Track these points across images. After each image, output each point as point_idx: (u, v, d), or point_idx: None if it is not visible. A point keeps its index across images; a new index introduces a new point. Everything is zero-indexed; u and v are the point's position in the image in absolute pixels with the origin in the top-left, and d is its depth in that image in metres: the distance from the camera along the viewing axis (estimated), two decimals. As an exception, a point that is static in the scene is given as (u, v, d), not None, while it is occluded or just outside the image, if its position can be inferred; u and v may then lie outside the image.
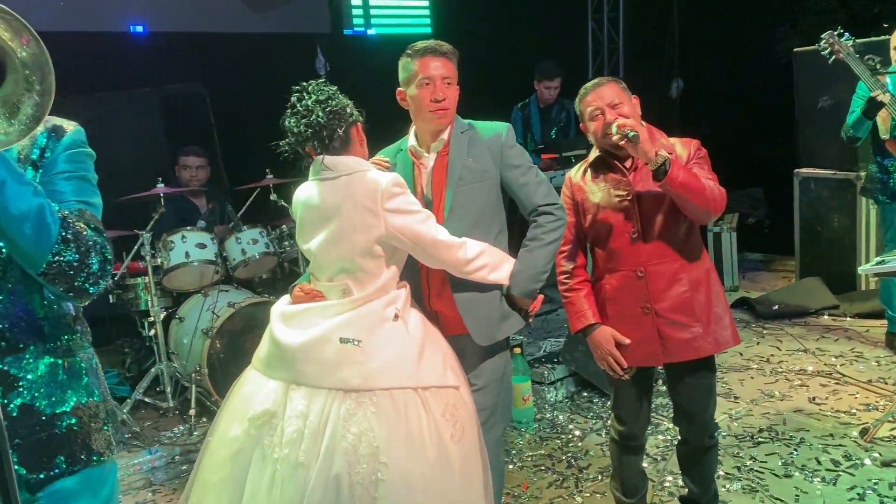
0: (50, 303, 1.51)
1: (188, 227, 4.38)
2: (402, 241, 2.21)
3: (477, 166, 2.40)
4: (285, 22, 6.56)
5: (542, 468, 3.42)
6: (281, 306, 2.27)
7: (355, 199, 2.17)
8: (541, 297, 2.48)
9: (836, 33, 3.65)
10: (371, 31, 6.97)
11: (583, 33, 8.06)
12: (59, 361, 1.53)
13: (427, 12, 7.35)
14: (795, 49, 5.57)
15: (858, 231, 5.24)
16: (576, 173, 2.61)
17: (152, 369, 4.31)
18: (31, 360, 1.49)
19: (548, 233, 2.40)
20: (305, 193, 2.28)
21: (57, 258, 1.38)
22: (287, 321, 2.19)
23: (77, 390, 1.55)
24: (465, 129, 2.46)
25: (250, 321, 4.19)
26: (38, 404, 1.48)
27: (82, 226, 1.44)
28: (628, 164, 2.48)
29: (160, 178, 4.34)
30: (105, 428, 1.59)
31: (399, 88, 2.46)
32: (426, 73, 2.36)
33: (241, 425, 2.14)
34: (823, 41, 3.71)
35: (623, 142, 2.32)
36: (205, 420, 4.14)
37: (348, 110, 2.22)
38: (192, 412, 4.10)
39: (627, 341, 2.47)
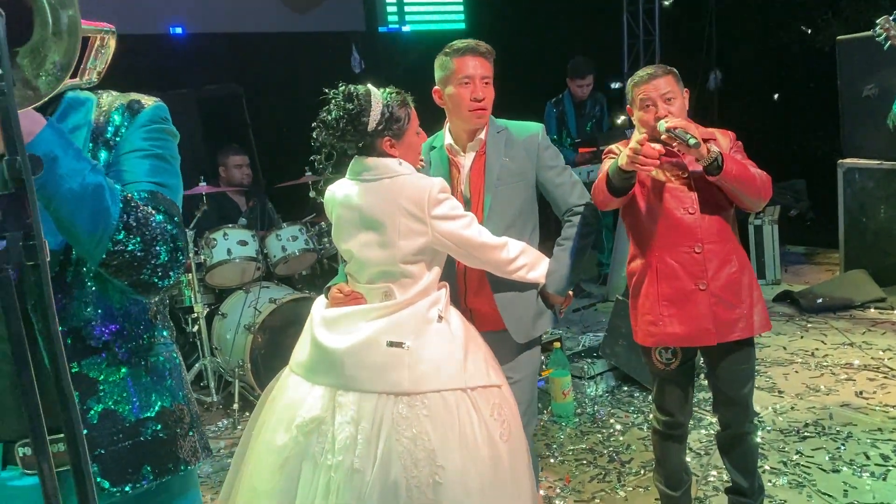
0: (129, 298, 1.36)
1: (230, 225, 4.45)
2: (448, 245, 2.21)
3: (514, 166, 2.44)
4: (320, 21, 6.62)
5: (584, 462, 3.41)
6: (321, 310, 2.25)
7: (400, 204, 2.15)
8: (571, 293, 2.52)
9: (892, 18, 3.55)
10: (406, 28, 7.00)
11: (618, 26, 7.98)
12: (142, 362, 1.38)
13: (461, 8, 7.36)
14: (839, 37, 5.45)
15: (906, 222, 5.12)
16: (616, 147, 2.59)
17: (196, 365, 4.40)
18: (112, 362, 1.34)
19: (581, 232, 2.47)
20: (343, 192, 2.26)
21: (118, 247, 1.19)
22: (329, 326, 2.17)
23: (161, 393, 1.40)
24: (500, 129, 2.49)
25: (291, 317, 4.24)
26: (120, 410, 1.34)
27: (150, 210, 1.25)
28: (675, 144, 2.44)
29: (202, 177, 4.42)
30: (191, 433, 1.45)
31: (436, 87, 2.48)
32: (466, 73, 2.38)
33: (288, 433, 2.11)
34: (879, 26, 3.61)
35: (675, 142, 2.30)
36: (248, 414, 4.19)
37: (370, 126, 2.16)
38: (235, 407, 4.17)
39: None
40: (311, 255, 4.67)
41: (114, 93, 1.38)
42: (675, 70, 2.47)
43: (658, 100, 2.40)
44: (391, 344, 2.08)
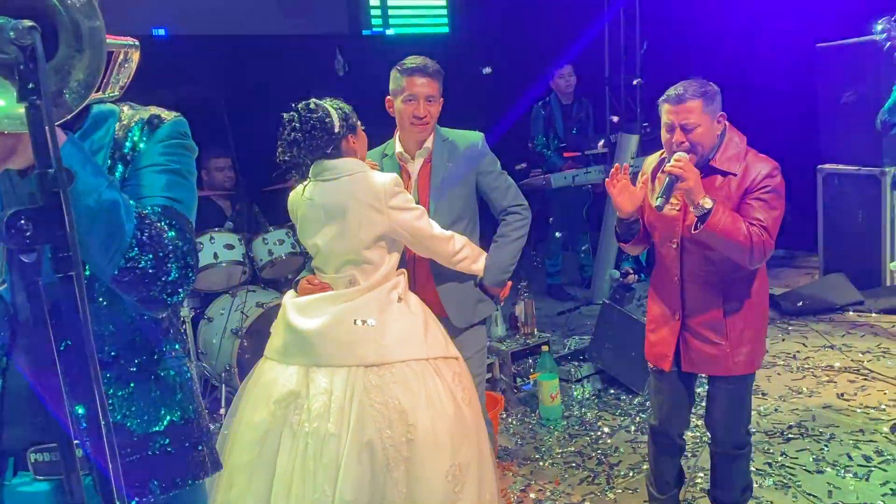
0: (140, 313, 1.35)
1: (216, 229, 4.42)
2: (402, 234, 2.43)
3: (457, 172, 2.73)
4: (304, 24, 6.59)
5: (573, 465, 3.44)
6: (292, 299, 2.44)
7: (359, 197, 2.36)
8: (509, 283, 2.84)
9: (893, 19, 3.56)
10: (389, 32, 7.00)
11: (599, 31, 8.04)
12: (151, 376, 1.37)
13: (445, 12, 7.37)
14: (818, 44, 5.55)
15: (883, 226, 5.21)
16: (650, 163, 2.61)
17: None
18: (119, 376, 1.34)
19: (515, 230, 2.78)
20: (306, 193, 2.45)
21: (130, 264, 1.18)
22: (301, 311, 2.36)
23: (171, 407, 1.39)
24: (445, 139, 2.76)
25: (278, 321, 4.23)
26: (129, 424, 1.33)
27: (163, 227, 1.25)
28: (699, 166, 2.43)
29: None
30: (200, 447, 1.43)
31: (388, 97, 2.74)
32: (411, 91, 2.64)
33: (266, 408, 2.27)
34: (880, 27, 3.62)
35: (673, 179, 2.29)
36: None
37: (335, 130, 2.38)
38: (222, 412, 4.13)
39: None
40: (298, 258, 4.65)
41: (134, 105, 1.39)
42: (708, 91, 2.37)
43: (676, 126, 2.36)
44: (359, 322, 2.30)
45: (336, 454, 2.17)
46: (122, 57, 1.28)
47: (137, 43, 1.23)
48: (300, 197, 2.48)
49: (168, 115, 1.39)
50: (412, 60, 2.67)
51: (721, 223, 2.26)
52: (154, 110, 1.38)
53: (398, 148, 2.77)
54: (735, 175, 2.36)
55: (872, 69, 5.13)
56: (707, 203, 2.26)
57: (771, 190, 2.35)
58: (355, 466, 2.16)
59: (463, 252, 2.61)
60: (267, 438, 2.25)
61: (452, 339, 2.58)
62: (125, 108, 1.38)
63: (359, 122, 2.48)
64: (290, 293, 2.50)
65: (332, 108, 2.41)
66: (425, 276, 2.74)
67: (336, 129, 2.39)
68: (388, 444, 2.20)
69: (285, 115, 2.43)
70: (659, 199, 2.29)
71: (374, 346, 2.28)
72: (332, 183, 2.40)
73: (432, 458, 2.23)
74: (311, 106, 2.40)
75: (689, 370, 2.54)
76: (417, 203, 2.62)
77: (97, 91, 1.21)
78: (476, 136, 2.79)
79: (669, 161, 2.33)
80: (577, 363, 4.29)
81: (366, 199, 2.36)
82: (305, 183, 2.47)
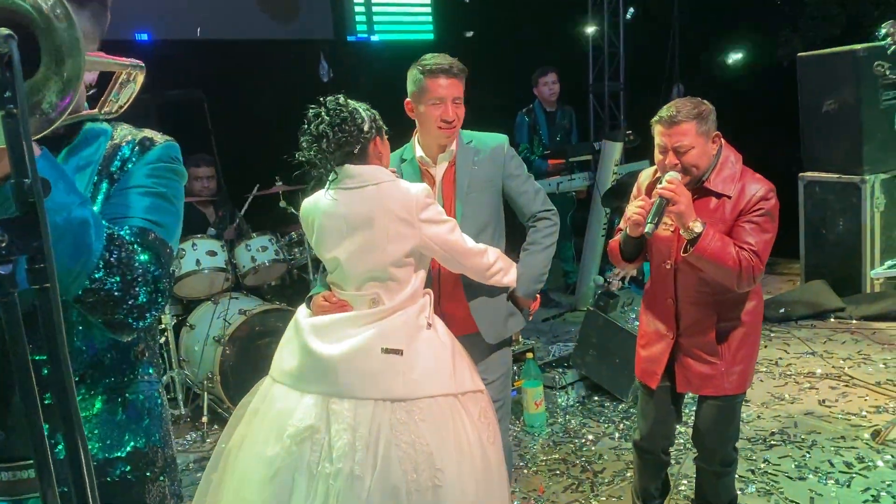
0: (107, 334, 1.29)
1: (198, 235, 4.39)
2: (434, 249, 2.27)
3: (483, 175, 2.55)
4: (288, 29, 6.58)
5: (557, 472, 3.44)
6: (308, 318, 2.24)
7: (388, 208, 2.18)
8: (539, 296, 2.66)
9: None
10: (374, 38, 7.00)
11: (584, 38, 8.09)
12: (118, 398, 1.32)
13: (430, 19, 7.39)
14: (799, 54, 5.60)
15: (864, 234, 5.26)
16: (645, 179, 2.58)
17: (163, 377, 4.32)
18: (86, 396, 1.28)
19: (546, 237, 2.60)
20: (325, 202, 2.26)
21: (95, 285, 1.15)
22: (320, 334, 2.16)
23: (136, 433, 1.34)
24: (469, 141, 2.58)
25: (261, 328, 4.20)
26: (89, 447, 1.25)
27: (135, 249, 1.21)
28: (693, 186, 2.41)
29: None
30: (161, 479, 1.38)
31: (408, 100, 2.54)
32: (437, 94, 2.45)
33: (279, 443, 2.09)
34: (884, 30, 3.60)
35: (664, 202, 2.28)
36: (216, 427, 4.15)
37: (365, 128, 2.22)
38: (204, 419, 4.11)
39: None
40: (281, 265, 4.63)
41: (128, 127, 1.36)
42: (702, 112, 2.31)
43: (669, 149, 2.33)
44: (386, 351, 2.11)
45: (360, 498, 2.00)
46: (124, 76, 1.25)
47: (142, 65, 1.21)
48: (316, 206, 2.28)
49: (160, 138, 1.36)
50: (435, 60, 2.47)
51: (711, 247, 2.24)
52: (147, 133, 1.36)
53: (419, 152, 2.58)
54: (730, 197, 2.33)
55: (853, 79, 5.20)
56: (697, 227, 2.24)
57: (764, 213, 2.31)
58: None
59: (497, 265, 2.43)
60: (279, 476, 2.07)
61: (479, 362, 2.46)
62: (118, 128, 1.35)
63: (384, 128, 2.32)
64: (304, 310, 2.31)
65: (361, 108, 2.25)
66: (453, 289, 2.54)
67: (366, 128, 2.21)
68: (413, 489, 2.02)
69: (310, 111, 2.22)
70: (649, 224, 2.26)
71: (403, 379, 2.10)
72: (357, 192, 2.20)
73: None
74: (341, 101, 2.21)
75: (684, 390, 2.53)
76: (442, 209, 2.49)
77: (95, 108, 1.20)
78: (502, 138, 2.63)
79: (662, 182, 2.30)
80: (561, 370, 4.29)
81: (395, 211, 2.18)
82: (325, 190, 2.27)
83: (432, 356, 2.17)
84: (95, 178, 1.29)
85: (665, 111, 2.33)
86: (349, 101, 2.24)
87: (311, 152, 2.20)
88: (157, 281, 1.23)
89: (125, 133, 1.35)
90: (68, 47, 0.98)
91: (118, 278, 1.17)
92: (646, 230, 2.27)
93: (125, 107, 1.17)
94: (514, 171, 2.61)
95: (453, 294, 2.53)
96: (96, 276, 1.14)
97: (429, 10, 7.37)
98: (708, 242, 2.23)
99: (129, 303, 1.19)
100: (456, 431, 2.11)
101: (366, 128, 2.21)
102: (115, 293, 1.17)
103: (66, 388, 0.77)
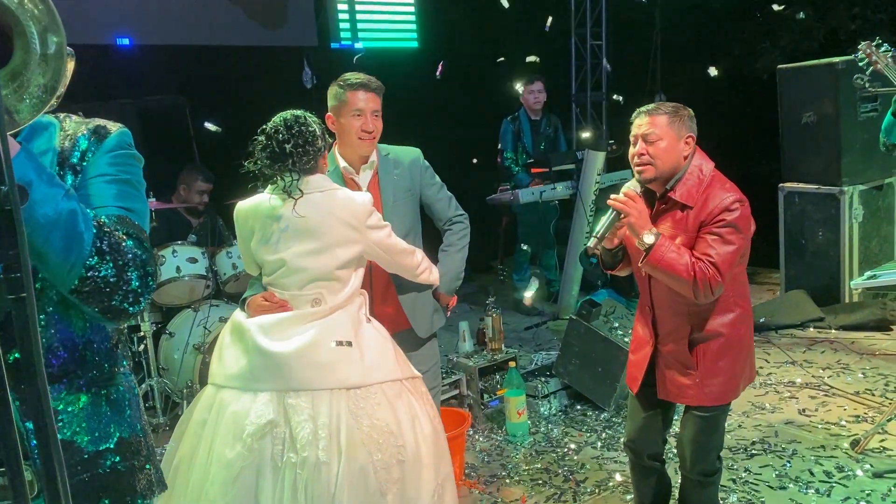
0: (92, 326, 1.34)
1: (179, 242, 4.35)
2: (377, 252, 2.45)
3: (404, 186, 2.80)
4: (272, 35, 6.55)
5: (540, 482, 3.43)
6: (251, 319, 2.31)
7: (336, 215, 2.33)
8: (455, 295, 2.94)
9: (873, 44, 3.61)
10: (358, 45, 6.98)
11: (566, 49, 8.14)
12: (102, 392, 1.35)
13: (414, 27, 7.38)
14: (779, 66, 5.67)
15: (842, 245, 5.32)
16: (632, 184, 2.56)
17: (142, 385, 4.26)
18: (71, 391, 1.31)
19: (461, 238, 2.91)
20: (268, 205, 2.36)
21: (91, 273, 1.17)
22: (268, 333, 2.25)
23: (120, 424, 1.37)
24: (387, 153, 2.81)
25: (242, 336, 4.16)
26: (78, 441, 1.30)
27: (121, 236, 1.24)
28: (661, 195, 2.44)
29: (151, 192, 4.31)
30: (147, 466, 1.43)
31: (328, 114, 2.72)
32: (358, 106, 2.65)
33: (238, 443, 2.15)
34: (861, 51, 3.66)
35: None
36: (196, 436, 4.10)
37: (319, 144, 2.36)
38: (183, 428, 4.06)
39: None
40: (263, 272, 4.59)
41: (76, 117, 1.37)
42: (679, 110, 2.38)
43: (639, 138, 2.38)
44: (339, 343, 2.25)
45: (328, 483, 2.09)
46: None
47: (72, 51, 1.20)
48: (257, 209, 2.39)
49: (113, 126, 1.37)
50: (354, 76, 2.69)
51: (665, 258, 2.26)
52: (98, 121, 1.37)
53: (342, 163, 2.75)
54: (692, 208, 2.34)
55: (832, 91, 5.26)
56: (648, 239, 2.28)
57: (726, 224, 2.29)
58: (350, 495, 2.09)
59: (423, 263, 2.67)
60: (241, 477, 2.13)
61: (411, 355, 2.61)
62: (66, 120, 1.35)
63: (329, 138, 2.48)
64: (241, 313, 2.39)
65: (314, 122, 2.37)
66: (385, 290, 2.76)
67: (319, 144, 2.36)
68: (379, 468, 2.16)
69: (268, 126, 2.35)
70: (593, 238, 2.38)
71: (357, 368, 2.23)
72: (306, 198, 2.32)
73: (421, 477, 2.24)
74: (302, 119, 2.34)
75: (663, 398, 2.53)
76: (380, 216, 2.64)
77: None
78: (417, 151, 2.88)
79: (619, 193, 2.35)
80: (544, 379, 4.29)
81: (344, 218, 2.33)
82: (268, 195, 2.37)
83: (377, 346, 2.33)
84: (57, 169, 1.29)
85: (645, 107, 2.43)
86: (305, 115, 2.37)
87: (267, 166, 2.33)
88: (146, 264, 1.26)
89: (76, 124, 1.35)
90: (49, 32, 0.99)
91: (111, 264, 1.20)
92: (588, 243, 2.38)
93: (62, 96, 1.15)
94: (430, 180, 2.88)
95: (385, 294, 2.75)
96: (90, 263, 1.17)
97: (413, 17, 7.37)
98: (662, 253, 2.26)
99: (124, 288, 1.22)
100: (408, 409, 2.29)
101: (319, 144, 2.36)
102: (111, 279, 1.20)
103: (41, 398, 0.75)
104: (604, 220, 2.38)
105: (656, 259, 2.27)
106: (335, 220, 2.32)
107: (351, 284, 2.37)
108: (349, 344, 2.25)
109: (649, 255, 2.27)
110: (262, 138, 2.35)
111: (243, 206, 2.44)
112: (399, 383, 2.33)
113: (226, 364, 2.28)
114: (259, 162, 2.34)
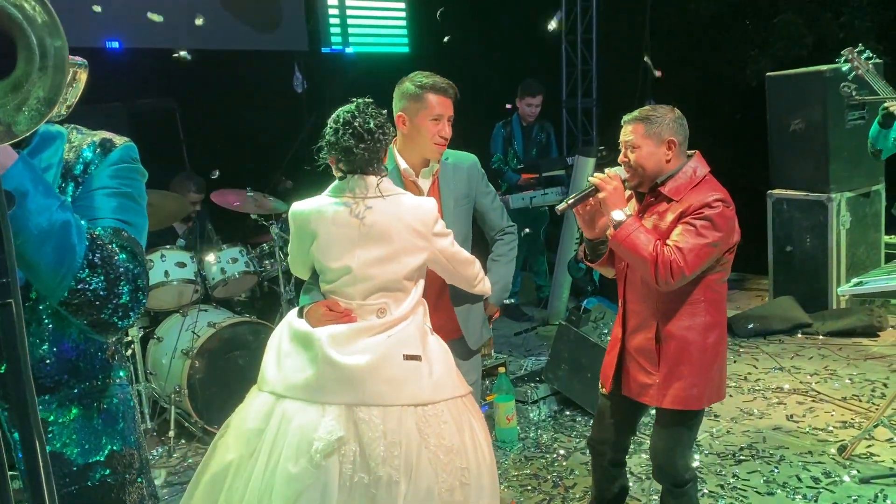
0: (86, 337, 1.32)
1: (167, 246, 4.33)
2: (441, 261, 2.35)
3: (463, 192, 2.70)
4: (263, 40, 6.54)
5: (529, 488, 3.43)
6: (321, 329, 2.18)
7: (405, 221, 2.22)
8: (499, 308, 2.87)
9: (856, 50, 3.64)
10: (349, 50, 6.99)
11: (557, 55, 8.17)
12: (94, 404, 1.34)
13: (405, 32, 7.39)
14: (768, 74, 5.70)
15: (830, 251, 5.35)
16: (618, 169, 2.61)
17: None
18: (62, 402, 1.30)
19: (511, 250, 2.84)
20: (331, 209, 2.23)
21: (81, 286, 1.17)
22: (340, 344, 2.14)
23: (112, 436, 1.35)
24: (447, 157, 2.67)
25: (231, 341, 4.14)
26: (68, 453, 1.29)
27: (114, 249, 1.23)
28: (646, 197, 2.49)
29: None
30: (139, 480, 1.40)
31: (400, 113, 2.56)
32: (439, 111, 2.52)
33: (304, 458, 2.05)
34: (844, 58, 3.69)
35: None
36: (183, 442, 4.07)
37: (385, 141, 2.26)
38: (171, 434, 4.03)
39: None
40: (252, 277, 4.58)
41: (83, 129, 1.37)
42: (652, 116, 2.41)
43: (624, 145, 2.47)
44: (407, 357, 2.16)
45: (397, 501, 2.04)
46: (70, 76, 1.25)
47: (86, 62, 1.20)
48: (319, 212, 2.24)
49: (119, 139, 1.37)
50: (439, 80, 2.54)
51: (630, 237, 2.30)
52: (105, 134, 1.37)
53: (402, 164, 2.59)
54: (676, 201, 2.39)
55: (820, 98, 5.30)
56: (618, 216, 2.33)
57: (703, 218, 2.30)
58: None
59: (480, 274, 2.56)
60: (306, 493, 2.02)
61: (459, 365, 2.48)
62: (73, 131, 1.36)
63: None
64: (298, 320, 2.26)
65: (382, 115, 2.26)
66: (437, 300, 2.59)
67: (386, 140, 2.24)
68: (443, 489, 2.08)
69: (342, 112, 2.20)
70: (564, 202, 2.43)
71: (427, 384, 2.15)
72: (371, 202, 2.20)
73: (480, 503, 2.16)
74: (373, 106, 2.22)
75: (627, 395, 2.54)
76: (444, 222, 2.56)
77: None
78: (474, 157, 2.77)
79: (604, 172, 2.43)
80: (533, 384, 4.29)
81: (412, 224, 2.22)
82: (329, 197, 2.24)
83: (443, 360, 2.24)
84: (60, 181, 1.29)
85: (631, 114, 2.48)
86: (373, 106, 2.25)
87: (340, 155, 2.18)
88: (137, 279, 1.25)
89: (83, 135, 1.35)
90: (50, 38, 0.98)
91: (102, 277, 1.19)
92: (558, 207, 2.44)
93: (73, 106, 1.16)
94: (485, 188, 2.79)
95: (437, 305, 2.57)
96: (81, 275, 1.16)
97: (404, 22, 7.38)
98: (629, 232, 2.31)
99: (114, 302, 1.21)
100: (469, 429, 2.20)
101: (388, 139, 2.26)
102: (101, 293, 1.19)
103: (29, 409, 0.74)
104: (579, 192, 2.44)
105: (622, 237, 2.31)
106: (403, 227, 2.20)
107: (414, 294, 2.27)
108: (418, 358, 2.16)
109: (616, 231, 2.32)
110: (332, 136, 2.21)
111: (304, 208, 2.28)
112: (460, 401, 2.24)
113: (287, 373, 2.16)
114: (333, 149, 2.20)
